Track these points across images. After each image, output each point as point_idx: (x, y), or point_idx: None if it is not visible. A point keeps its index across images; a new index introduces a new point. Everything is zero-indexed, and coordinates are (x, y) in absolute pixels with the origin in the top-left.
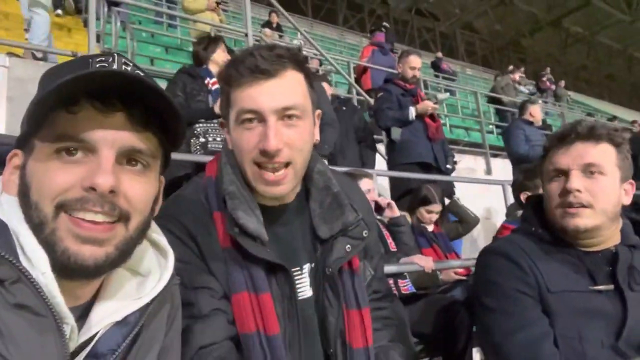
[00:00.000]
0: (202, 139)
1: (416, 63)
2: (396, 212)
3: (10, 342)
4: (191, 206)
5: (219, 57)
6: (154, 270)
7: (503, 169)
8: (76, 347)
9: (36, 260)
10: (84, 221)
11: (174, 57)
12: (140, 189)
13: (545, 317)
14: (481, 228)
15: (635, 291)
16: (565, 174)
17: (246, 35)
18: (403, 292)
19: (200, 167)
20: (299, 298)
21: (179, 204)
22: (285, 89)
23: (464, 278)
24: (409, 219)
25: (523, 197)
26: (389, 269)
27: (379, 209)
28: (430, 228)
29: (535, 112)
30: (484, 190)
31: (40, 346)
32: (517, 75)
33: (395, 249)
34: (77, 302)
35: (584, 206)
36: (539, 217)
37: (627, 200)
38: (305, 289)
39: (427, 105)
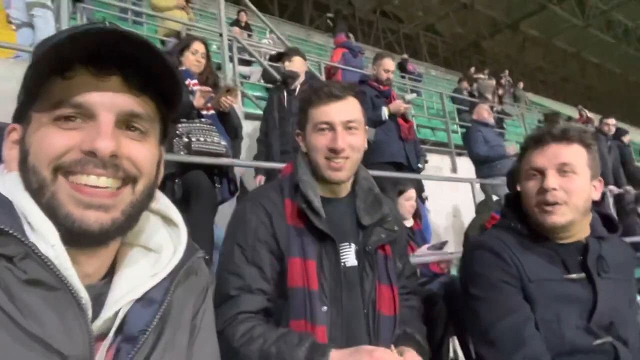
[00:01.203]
0: (185, 139)
1: (390, 66)
2: None
3: (29, 317)
4: (270, 193)
5: (189, 60)
6: (167, 244)
7: (468, 167)
8: (102, 329)
9: (44, 233)
10: (86, 187)
11: None
12: (143, 151)
13: (527, 303)
14: (450, 225)
15: (604, 278)
16: (541, 172)
17: (221, 35)
18: None
19: (185, 167)
20: (346, 265)
21: (262, 191)
22: (348, 108)
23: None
24: None
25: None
26: None
27: None
28: (409, 224)
29: (480, 111)
30: (452, 187)
31: (60, 320)
32: (494, 81)
33: None
34: (88, 280)
35: (559, 203)
36: (517, 213)
37: (597, 196)
38: (350, 259)
39: (399, 105)
